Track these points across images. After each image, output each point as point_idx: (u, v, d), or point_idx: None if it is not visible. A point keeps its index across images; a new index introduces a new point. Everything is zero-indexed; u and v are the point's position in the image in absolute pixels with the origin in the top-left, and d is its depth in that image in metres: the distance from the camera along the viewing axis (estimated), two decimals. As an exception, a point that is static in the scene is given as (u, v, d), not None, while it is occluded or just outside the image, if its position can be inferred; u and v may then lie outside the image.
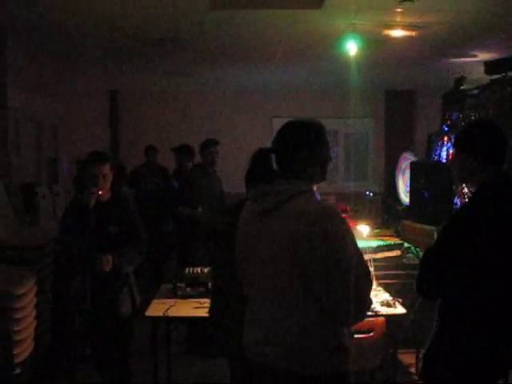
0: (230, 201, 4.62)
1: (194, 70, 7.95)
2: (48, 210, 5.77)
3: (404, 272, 4.81)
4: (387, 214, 7.63)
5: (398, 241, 5.16)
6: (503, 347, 2.45)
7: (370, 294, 2.25)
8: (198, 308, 3.93)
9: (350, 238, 2.16)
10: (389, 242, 5.08)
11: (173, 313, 3.89)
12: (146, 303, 4.06)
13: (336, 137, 10.38)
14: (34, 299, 3.96)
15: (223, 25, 5.58)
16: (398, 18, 5.38)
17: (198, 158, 6.21)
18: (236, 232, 2.73)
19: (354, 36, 5.78)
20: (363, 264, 2.23)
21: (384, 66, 7.72)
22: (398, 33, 5.78)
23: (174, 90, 9.64)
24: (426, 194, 5.80)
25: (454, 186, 5.89)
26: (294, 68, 8.02)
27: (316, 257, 2.10)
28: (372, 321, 3.70)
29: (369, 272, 2.25)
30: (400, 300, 3.98)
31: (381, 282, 4.38)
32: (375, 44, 6.22)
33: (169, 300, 4.09)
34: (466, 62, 7.26)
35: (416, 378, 4.72)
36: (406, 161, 8.41)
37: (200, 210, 5.69)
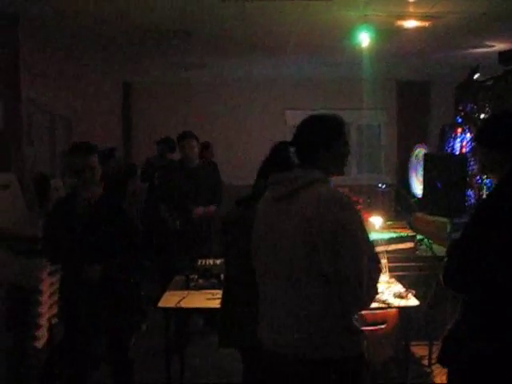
0: (243, 193, 4.62)
1: (207, 61, 7.95)
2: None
3: (417, 264, 4.79)
4: (400, 206, 7.60)
5: (410, 233, 5.14)
6: None
7: (377, 283, 2.30)
8: (210, 299, 3.94)
9: (361, 225, 2.23)
10: (401, 233, 5.06)
11: (185, 304, 3.90)
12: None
13: (348, 129, 10.36)
14: (49, 289, 4.00)
15: (235, 17, 5.56)
16: (411, 9, 5.35)
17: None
18: (248, 222, 2.78)
19: (367, 27, 5.75)
20: (373, 253, 2.29)
21: (396, 57, 7.67)
22: (410, 23, 5.74)
23: (187, 82, 9.64)
24: (439, 186, 5.77)
25: (467, 178, 5.87)
26: (306, 60, 8.00)
27: (328, 242, 2.15)
28: (385, 312, 3.70)
29: (378, 261, 2.31)
30: (413, 292, 3.97)
31: (393, 273, 4.36)
32: (388, 35, 6.18)
33: (181, 292, 4.11)
34: (479, 53, 7.19)
35: (428, 370, 4.72)
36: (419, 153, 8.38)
37: (163, 209, 5.60)
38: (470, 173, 5.98)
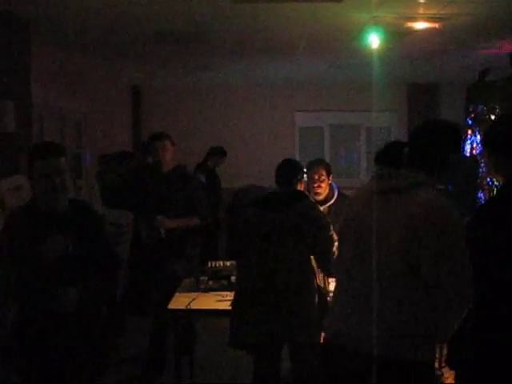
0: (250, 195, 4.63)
1: (217, 64, 7.96)
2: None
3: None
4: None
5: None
6: None
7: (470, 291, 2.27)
8: (220, 301, 3.94)
9: (462, 232, 2.27)
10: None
11: (195, 306, 3.91)
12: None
13: (358, 131, 10.34)
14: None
15: (246, 18, 5.57)
16: (421, 10, 5.33)
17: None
18: (261, 223, 2.85)
19: (376, 29, 5.74)
20: (465, 258, 2.28)
21: (406, 59, 7.65)
22: (420, 25, 5.72)
23: (197, 84, 9.66)
24: (449, 188, 5.75)
25: (478, 180, 5.85)
26: (316, 62, 7.99)
27: (432, 247, 2.20)
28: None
29: (470, 267, 2.27)
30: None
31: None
32: (397, 37, 6.17)
33: (191, 293, 4.11)
34: (490, 54, 7.16)
35: (439, 372, 4.68)
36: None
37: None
38: (480, 175, 5.96)
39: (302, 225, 3.46)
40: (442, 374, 4.64)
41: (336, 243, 2.91)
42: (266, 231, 3.48)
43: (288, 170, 3.72)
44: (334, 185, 4.65)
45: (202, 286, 4.18)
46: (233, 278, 4.08)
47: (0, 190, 4.06)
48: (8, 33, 4.97)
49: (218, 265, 4.38)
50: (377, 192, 2.38)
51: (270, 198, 3.65)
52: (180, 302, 3.97)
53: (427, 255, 2.22)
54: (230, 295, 3.90)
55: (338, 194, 4.57)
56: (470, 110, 6.69)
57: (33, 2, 4.85)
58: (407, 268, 2.24)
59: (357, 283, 2.36)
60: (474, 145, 6.60)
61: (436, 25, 5.70)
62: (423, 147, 2.42)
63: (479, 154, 6.26)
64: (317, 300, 3.49)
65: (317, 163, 4.61)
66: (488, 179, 5.97)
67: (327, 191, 4.52)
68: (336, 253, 2.80)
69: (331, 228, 3.49)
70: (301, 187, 3.78)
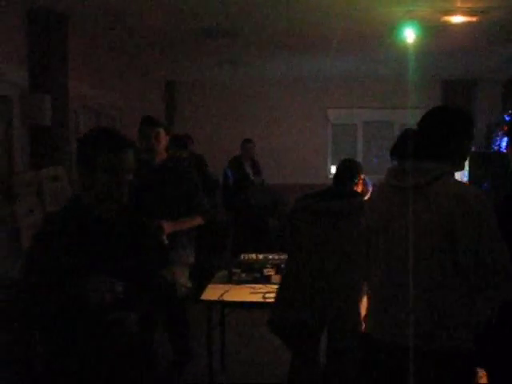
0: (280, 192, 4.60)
1: (250, 59, 7.98)
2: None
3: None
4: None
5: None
6: None
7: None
8: (252, 293, 3.96)
9: (494, 217, 2.26)
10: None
11: (228, 297, 3.93)
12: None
13: (392, 128, 10.25)
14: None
15: (279, 13, 5.57)
16: (458, 4, 5.25)
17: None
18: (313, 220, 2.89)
19: (412, 23, 5.68)
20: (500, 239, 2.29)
21: (441, 54, 7.55)
22: (457, 19, 5.64)
23: (230, 80, 9.68)
24: (485, 185, 5.68)
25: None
26: (349, 57, 7.94)
27: (468, 235, 2.21)
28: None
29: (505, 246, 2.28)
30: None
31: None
32: (433, 31, 6.09)
33: (224, 285, 4.14)
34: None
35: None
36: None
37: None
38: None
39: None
40: (477, 373, 4.60)
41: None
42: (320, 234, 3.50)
43: (347, 171, 3.75)
44: (368, 181, 4.65)
45: (235, 278, 4.21)
46: (265, 271, 4.10)
47: (39, 178, 4.13)
48: (47, 28, 5.06)
49: (250, 258, 4.40)
50: (403, 188, 2.38)
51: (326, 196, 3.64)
52: (213, 293, 4.00)
53: (465, 242, 2.21)
54: (262, 287, 3.92)
55: (373, 190, 4.56)
56: (507, 105, 6.58)
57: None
58: (446, 259, 2.24)
59: (393, 277, 2.37)
60: (511, 141, 6.49)
61: (473, 18, 5.61)
62: (436, 135, 2.41)
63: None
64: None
65: None
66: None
67: (361, 187, 4.54)
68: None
69: None
70: (358, 188, 3.79)
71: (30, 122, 4.91)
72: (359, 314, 3.34)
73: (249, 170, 8.08)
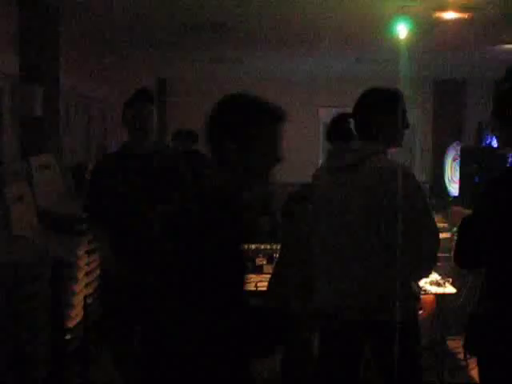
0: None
1: (242, 57, 7.97)
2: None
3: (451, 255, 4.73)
4: (435, 201, 7.51)
5: (446, 225, 5.09)
6: None
7: (435, 250, 2.42)
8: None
9: (421, 194, 2.36)
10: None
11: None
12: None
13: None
14: (85, 267, 4.05)
15: (271, 10, 5.56)
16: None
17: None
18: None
19: (404, 19, 5.69)
20: (430, 222, 2.38)
21: (433, 53, 7.58)
22: (449, 15, 5.66)
23: (221, 77, 9.66)
24: (476, 180, 5.70)
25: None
26: (341, 56, 7.96)
27: (391, 210, 2.27)
28: (421, 299, 3.65)
29: (436, 231, 2.40)
30: (450, 280, 3.92)
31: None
32: (425, 28, 6.10)
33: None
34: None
35: (463, 363, 4.63)
36: (454, 152, 8.27)
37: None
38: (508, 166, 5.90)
39: None
40: (468, 365, 4.60)
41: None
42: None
43: None
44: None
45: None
46: (257, 261, 4.09)
47: (30, 166, 4.10)
48: (39, 21, 5.03)
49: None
50: (335, 169, 2.47)
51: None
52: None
53: (389, 217, 2.28)
54: (254, 277, 3.91)
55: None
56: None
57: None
58: (371, 235, 2.32)
59: (333, 259, 2.46)
60: (502, 139, 6.52)
61: (465, 15, 5.63)
62: (365, 116, 2.49)
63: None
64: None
65: None
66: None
67: None
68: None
69: None
70: None
71: (21, 112, 4.88)
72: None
73: None
